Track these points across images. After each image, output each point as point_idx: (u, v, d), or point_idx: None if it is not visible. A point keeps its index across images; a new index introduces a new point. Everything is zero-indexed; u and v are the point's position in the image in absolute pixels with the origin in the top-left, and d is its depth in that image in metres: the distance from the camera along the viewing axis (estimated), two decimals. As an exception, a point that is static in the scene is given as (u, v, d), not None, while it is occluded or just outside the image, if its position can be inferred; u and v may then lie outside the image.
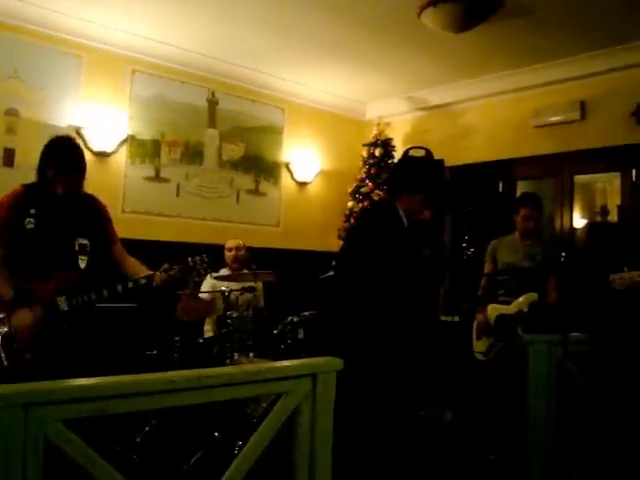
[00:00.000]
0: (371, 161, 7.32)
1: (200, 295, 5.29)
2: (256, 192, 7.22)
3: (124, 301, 3.53)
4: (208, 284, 5.42)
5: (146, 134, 6.32)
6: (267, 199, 7.33)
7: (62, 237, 3.24)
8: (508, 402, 4.17)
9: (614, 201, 6.86)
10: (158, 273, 3.37)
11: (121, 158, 6.15)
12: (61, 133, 4.50)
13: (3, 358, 3.03)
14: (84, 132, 5.84)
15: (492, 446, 4.34)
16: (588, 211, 7.77)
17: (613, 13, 5.11)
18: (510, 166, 6.98)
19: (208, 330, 5.41)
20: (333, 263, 6.46)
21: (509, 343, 4.48)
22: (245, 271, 5.52)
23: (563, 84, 6.40)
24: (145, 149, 6.32)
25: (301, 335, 4.92)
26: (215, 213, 6.82)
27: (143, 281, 3.34)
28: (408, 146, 3.68)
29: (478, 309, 4.85)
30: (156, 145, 6.39)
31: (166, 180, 6.46)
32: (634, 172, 6.00)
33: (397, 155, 7.09)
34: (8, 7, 5.35)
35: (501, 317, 4.64)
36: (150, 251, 3.73)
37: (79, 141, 5.60)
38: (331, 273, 5.51)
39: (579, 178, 6.74)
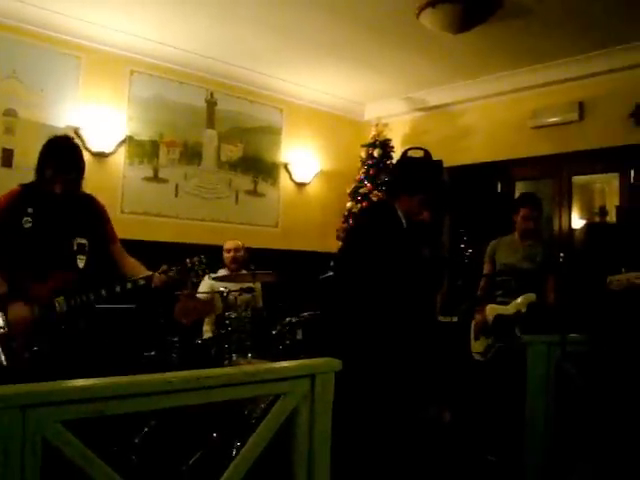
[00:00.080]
0: (370, 162, 7.32)
1: (198, 295, 5.28)
2: (255, 193, 7.22)
3: (123, 302, 3.52)
4: (206, 285, 5.41)
5: (145, 135, 6.32)
6: (266, 200, 7.33)
7: (60, 236, 3.24)
8: (506, 402, 4.17)
9: (613, 202, 6.86)
10: (157, 274, 3.36)
11: (120, 159, 6.15)
12: (60, 133, 4.51)
13: (2, 359, 3.03)
14: (83, 133, 5.84)
15: (491, 447, 4.34)
16: (587, 212, 7.77)
17: (611, 14, 5.12)
18: (508, 167, 6.98)
19: (207, 331, 5.40)
20: (332, 264, 6.48)
21: (507, 344, 4.49)
22: (244, 271, 5.52)
23: (561, 85, 6.40)
24: (144, 149, 6.32)
25: (300, 336, 4.91)
26: (214, 214, 6.82)
27: (142, 282, 3.34)
28: (407, 147, 3.68)
29: (477, 309, 4.86)
30: (155, 146, 6.39)
31: (165, 180, 6.46)
32: (632, 173, 6.00)
33: (396, 156, 7.09)
34: (7, 8, 5.35)
35: (499, 317, 4.64)
36: (149, 252, 3.73)
37: (77, 142, 5.63)
38: (330, 274, 5.52)
39: (577, 179, 6.75)
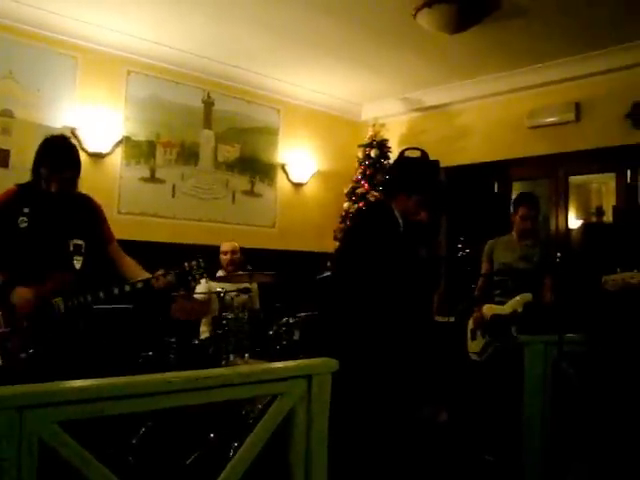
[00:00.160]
0: (367, 162, 7.32)
1: (195, 296, 5.29)
2: (252, 193, 7.22)
3: (120, 302, 3.52)
4: (203, 285, 5.41)
5: (141, 135, 6.31)
6: (263, 200, 7.33)
7: (56, 237, 3.23)
8: (504, 402, 4.18)
9: (609, 202, 6.88)
10: (154, 279, 3.35)
11: (116, 159, 6.14)
12: (56, 133, 4.50)
13: None
14: (79, 133, 5.83)
15: (488, 446, 4.34)
16: (583, 212, 7.79)
17: (607, 14, 5.13)
18: (505, 167, 6.99)
19: (204, 331, 5.41)
20: (328, 264, 6.49)
21: (503, 343, 4.49)
22: (240, 272, 5.52)
23: (558, 85, 6.41)
24: (140, 150, 6.31)
25: (297, 336, 4.92)
26: (211, 214, 6.82)
27: (140, 285, 3.33)
28: (404, 147, 3.68)
29: (474, 309, 4.86)
30: (151, 146, 6.39)
31: (161, 181, 6.46)
32: (629, 173, 6.02)
33: (393, 156, 7.09)
34: (3, 8, 5.34)
35: (496, 317, 4.64)
36: (146, 252, 3.73)
37: (74, 142, 5.62)
38: (327, 274, 5.52)
39: (574, 179, 6.76)
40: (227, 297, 4.91)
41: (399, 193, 3.39)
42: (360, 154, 7.43)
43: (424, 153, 3.50)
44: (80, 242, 3.30)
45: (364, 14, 5.33)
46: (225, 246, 5.71)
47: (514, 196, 6.52)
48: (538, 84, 6.53)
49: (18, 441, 1.61)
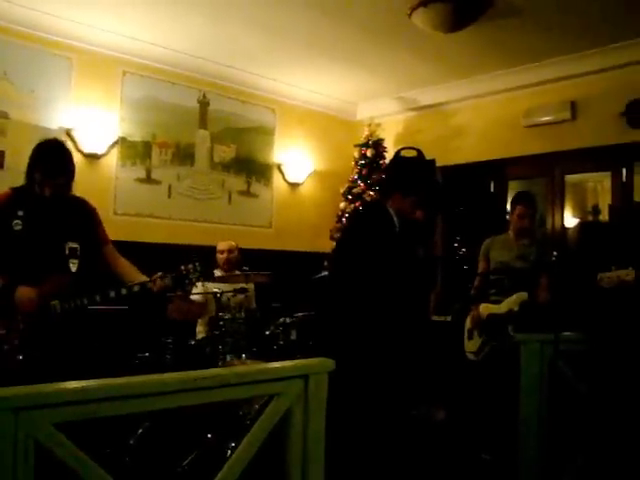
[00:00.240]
0: (363, 162, 7.32)
1: (192, 297, 5.27)
2: (248, 193, 7.21)
3: (116, 304, 3.52)
4: (199, 286, 5.40)
5: (137, 135, 6.31)
6: (259, 200, 7.33)
7: (52, 241, 3.23)
8: (500, 401, 4.18)
9: (605, 200, 6.89)
10: (151, 283, 3.35)
11: (112, 160, 6.14)
12: (51, 135, 4.50)
13: None
14: (75, 134, 5.82)
15: (485, 445, 4.35)
16: (580, 210, 7.80)
17: (602, 13, 5.13)
18: (501, 166, 7.00)
19: (200, 332, 5.40)
20: (325, 264, 6.49)
21: (500, 343, 4.49)
22: (237, 272, 5.51)
23: (554, 84, 6.42)
24: (136, 150, 6.30)
25: (294, 336, 4.92)
26: (207, 215, 6.82)
27: (136, 288, 3.33)
28: (399, 146, 3.69)
29: (470, 308, 4.86)
30: (147, 146, 6.38)
31: (157, 182, 6.45)
32: (624, 171, 6.03)
33: (389, 155, 7.09)
34: (-3, 9, 5.33)
35: (492, 316, 4.65)
36: (142, 253, 3.72)
37: (70, 143, 5.63)
38: (324, 274, 5.52)
39: (570, 178, 6.77)
40: (224, 297, 4.90)
41: (395, 193, 3.39)
42: (356, 154, 7.43)
43: (420, 152, 3.51)
44: (75, 245, 3.30)
45: (359, 14, 5.33)
46: (222, 245, 5.70)
47: (510, 195, 6.54)
48: (534, 83, 6.54)
49: (14, 442, 1.61)
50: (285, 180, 7.58)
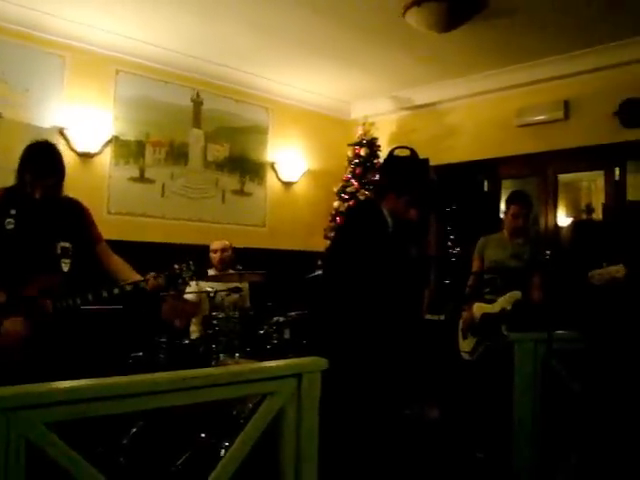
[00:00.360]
0: (356, 161, 7.32)
1: (186, 296, 5.27)
2: (241, 192, 7.21)
3: (109, 303, 3.51)
4: (193, 285, 5.39)
5: (130, 134, 6.29)
6: (253, 199, 7.32)
7: (43, 240, 3.23)
8: (494, 400, 4.19)
9: (599, 199, 6.91)
10: (144, 282, 3.35)
11: (105, 159, 6.12)
12: (45, 134, 4.50)
13: None
14: (68, 133, 5.80)
15: (479, 444, 4.36)
16: (573, 209, 7.82)
17: (595, 13, 5.15)
18: (495, 165, 7.01)
19: (194, 331, 5.39)
20: (319, 262, 6.49)
21: (494, 342, 4.50)
22: (231, 271, 5.51)
23: (547, 83, 6.43)
24: (129, 149, 6.29)
25: (287, 335, 4.91)
26: (200, 214, 6.81)
27: (129, 288, 3.33)
28: (393, 146, 3.69)
29: (464, 307, 4.87)
30: (141, 145, 6.36)
31: (151, 181, 6.44)
32: (617, 171, 6.05)
33: (382, 155, 7.09)
34: (-10, 7, 5.31)
35: (485, 316, 4.65)
36: (135, 252, 3.71)
37: (62, 142, 5.62)
38: (317, 273, 5.52)
39: (563, 177, 6.79)
40: (217, 297, 4.90)
41: (389, 194, 3.40)
42: (350, 153, 7.43)
43: (413, 152, 3.51)
44: (67, 245, 3.30)
45: (353, 12, 5.33)
46: (215, 244, 5.69)
47: (504, 194, 6.56)
48: (527, 82, 6.55)
49: (5, 443, 1.60)
50: (279, 179, 7.58)
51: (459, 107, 7.26)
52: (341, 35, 5.83)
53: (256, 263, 5.67)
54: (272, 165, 7.51)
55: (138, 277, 3.39)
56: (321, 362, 2.37)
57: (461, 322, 4.88)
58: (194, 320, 5.41)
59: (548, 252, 4.61)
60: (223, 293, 5.02)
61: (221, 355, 4.43)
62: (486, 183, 7.16)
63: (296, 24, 5.63)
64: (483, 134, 6.97)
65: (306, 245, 7.47)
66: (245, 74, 7.02)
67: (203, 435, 3.46)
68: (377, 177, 5.24)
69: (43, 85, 5.71)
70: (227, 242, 5.73)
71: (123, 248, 3.66)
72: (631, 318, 3.44)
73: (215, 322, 4.59)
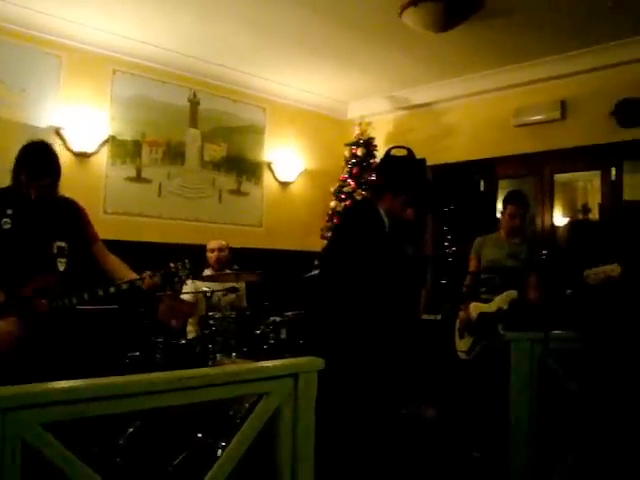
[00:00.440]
0: (353, 160, 7.33)
1: (182, 296, 5.26)
2: (238, 192, 7.21)
3: (106, 303, 3.51)
4: (190, 285, 5.39)
5: (127, 134, 6.28)
6: (249, 199, 7.32)
7: (39, 240, 3.23)
8: (491, 399, 4.19)
9: (595, 199, 6.92)
10: (140, 281, 3.35)
11: (102, 158, 6.11)
12: (41, 134, 4.49)
13: None
14: (64, 133, 5.80)
15: (476, 443, 4.36)
16: (569, 209, 7.83)
17: (593, 13, 5.15)
18: (492, 165, 7.01)
19: (191, 331, 5.39)
20: (316, 262, 6.49)
21: (491, 342, 4.51)
22: (228, 271, 5.50)
23: (544, 83, 6.44)
24: (126, 149, 6.28)
25: (284, 335, 4.91)
26: (197, 213, 6.80)
27: (125, 287, 3.33)
28: (390, 145, 3.69)
29: (461, 307, 4.88)
30: (137, 145, 6.36)
31: (147, 180, 6.43)
32: (614, 170, 6.05)
33: (379, 154, 7.10)
34: (-14, 7, 5.30)
35: (482, 315, 4.66)
36: (132, 252, 3.70)
37: (59, 142, 5.61)
38: (314, 272, 5.52)
39: (560, 177, 6.80)
40: (214, 297, 4.89)
41: (385, 192, 3.40)
42: (347, 153, 7.44)
43: (410, 151, 3.51)
44: (63, 244, 3.30)
45: (350, 12, 5.33)
46: (212, 244, 5.68)
47: (500, 194, 6.56)
48: (524, 82, 6.55)
49: (1, 443, 1.60)
50: (276, 179, 7.58)
51: (456, 107, 7.27)
52: (338, 35, 5.84)
53: (253, 263, 5.66)
54: (269, 165, 7.50)
55: (134, 276, 3.39)
56: (317, 362, 2.37)
57: (458, 322, 4.88)
58: (191, 320, 5.40)
59: (545, 252, 4.61)
60: (220, 293, 5.01)
61: (218, 355, 4.42)
62: (483, 183, 7.16)
63: (294, 24, 5.63)
64: (480, 134, 6.98)
65: (303, 245, 7.47)
66: (242, 74, 7.02)
67: (200, 435, 3.46)
68: (374, 177, 5.24)
69: (39, 85, 5.70)
70: (224, 242, 5.73)
71: (120, 248, 3.65)
72: (627, 317, 3.45)
73: (212, 322, 4.59)
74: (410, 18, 5.16)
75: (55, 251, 3.27)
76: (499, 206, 5.91)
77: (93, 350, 4.44)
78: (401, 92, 7.51)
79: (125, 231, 6.02)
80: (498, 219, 5.04)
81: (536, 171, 6.68)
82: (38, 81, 5.69)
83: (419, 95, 7.44)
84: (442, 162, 6.99)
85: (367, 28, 5.66)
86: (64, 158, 3.42)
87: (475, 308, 4.75)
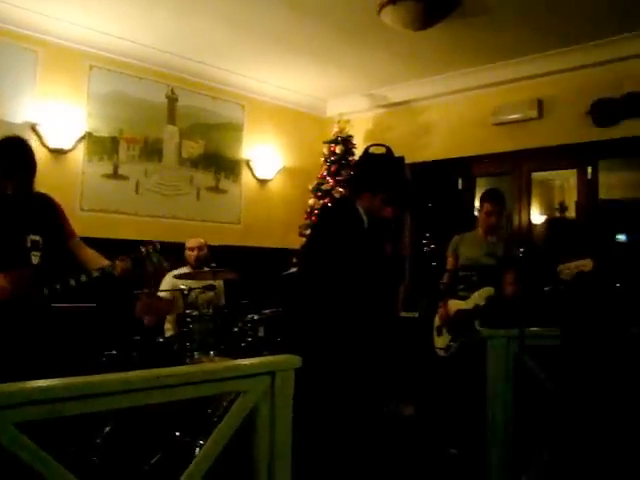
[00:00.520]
0: (332, 158, 7.32)
1: (159, 294, 5.24)
2: (216, 189, 7.18)
3: (83, 301, 3.49)
4: (168, 282, 5.37)
5: (104, 131, 6.23)
6: (228, 196, 7.30)
7: (12, 234, 3.21)
8: (468, 396, 4.22)
9: (572, 198, 6.99)
10: (111, 267, 3.35)
11: (79, 155, 6.05)
12: (16, 130, 4.44)
13: None
14: (40, 129, 5.73)
15: (453, 440, 4.39)
16: (547, 207, 7.91)
17: (570, 13, 5.19)
18: (469, 163, 7.05)
19: (168, 329, 5.37)
20: (294, 260, 6.49)
21: (468, 338, 4.53)
22: (205, 269, 5.48)
23: (521, 82, 6.49)
24: (103, 146, 6.23)
25: (262, 333, 4.91)
26: (175, 211, 6.77)
27: (96, 274, 3.32)
28: (369, 143, 3.70)
29: (440, 304, 4.90)
30: (114, 142, 6.31)
31: (125, 177, 6.38)
32: (590, 169, 6.11)
33: (358, 152, 7.11)
34: (-40, 0, 5.22)
35: (459, 312, 4.69)
36: (109, 249, 3.68)
37: (35, 138, 5.55)
38: (292, 270, 5.52)
39: (537, 175, 6.85)
40: (192, 294, 4.88)
41: (364, 192, 3.41)
42: (325, 150, 7.43)
43: (389, 150, 3.52)
44: (37, 238, 3.29)
45: (328, 9, 5.33)
46: (191, 242, 5.66)
47: (478, 192, 6.60)
48: (502, 81, 6.59)
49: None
50: (254, 176, 7.56)
51: (435, 105, 7.29)
52: (317, 32, 5.83)
53: (231, 260, 5.64)
54: (247, 162, 7.48)
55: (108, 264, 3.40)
56: (294, 360, 2.37)
57: (436, 319, 4.91)
58: (168, 318, 5.38)
59: (521, 249, 4.64)
60: (197, 291, 5.00)
61: (195, 353, 4.41)
62: (461, 181, 7.20)
63: (272, 21, 5.62)
64: (458, 132, 7.01)
65: (281, 242, 7.47)
66: (220, 70, 6.99)
67: (178, 433, 3.45)
68: (351, 175, 5.25)
69: (15, 80, 5.63)
70: (202, 240, 5.71)
71: (96, 245, 3.63)
72: (600, 311, 3.49)
73: (189, 320, 4.58)
74: (389, 16, 5.16)
75: (29, 244, 3.25)
76: (477, 204, 5.94)
77: (69, 348, 4.41)
78: (380, 90, 7.53)
79: (102, 228, 5.97)
80: (476, 217, 5.07)
81: (514, 169, 6.72)
82: (14, 76, 5.62)
83: (398, 93, 7.45)
84: (420, 160, 7.02)
85: (346, 25, 5.66)
86: (40, 154, 3.39)
87: (453, 305, 4.78)
